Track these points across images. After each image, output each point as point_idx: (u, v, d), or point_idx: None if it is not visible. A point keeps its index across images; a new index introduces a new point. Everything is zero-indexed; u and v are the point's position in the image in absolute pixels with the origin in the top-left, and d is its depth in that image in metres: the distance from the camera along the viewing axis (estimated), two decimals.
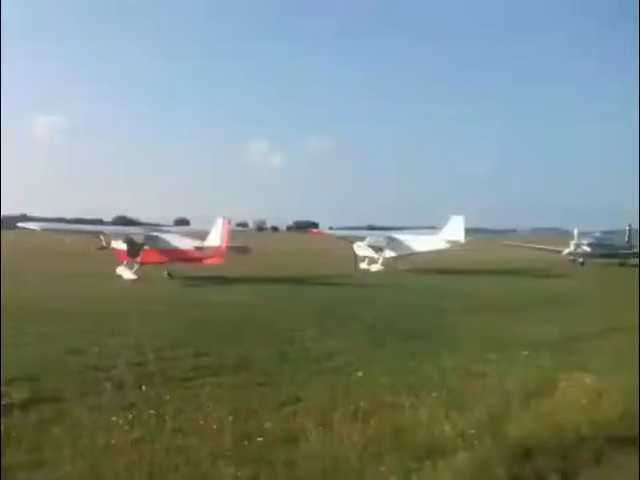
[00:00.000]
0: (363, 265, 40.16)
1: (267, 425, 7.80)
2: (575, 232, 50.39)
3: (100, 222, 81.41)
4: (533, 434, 7.46)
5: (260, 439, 7.28)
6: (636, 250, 52.97)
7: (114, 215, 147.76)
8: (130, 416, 8.08)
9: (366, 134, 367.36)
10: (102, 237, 33.33)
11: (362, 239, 42.27)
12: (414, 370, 11.32)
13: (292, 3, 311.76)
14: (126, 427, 7.65)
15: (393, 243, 40.71)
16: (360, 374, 10.63)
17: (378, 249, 40.70)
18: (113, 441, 7.14)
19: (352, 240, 42.78)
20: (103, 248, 33.23)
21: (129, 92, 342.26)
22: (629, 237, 55.12)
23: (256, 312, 18.92)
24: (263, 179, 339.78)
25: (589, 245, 49.28)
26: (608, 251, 50.52)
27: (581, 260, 49.04)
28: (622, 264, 49.72)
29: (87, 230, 36.11)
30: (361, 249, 41.44)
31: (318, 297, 23.09)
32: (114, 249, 32.50)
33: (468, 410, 8.31)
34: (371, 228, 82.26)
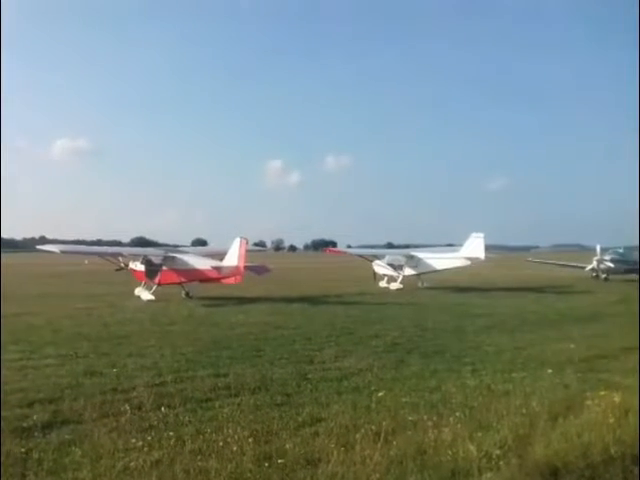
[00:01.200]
0: (382, 283, 40.00)
1: (288, 446, 7.69)
2: (598, 248, 49.84)
3: (119, 244, 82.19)
4: (560, 454, 7.25)
5: (281, 461, 7.17)
6: None
7: (132, 237, 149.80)
8: (149, 438, 8.04)
9: (383, 152, 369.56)
10: (120, 258, 33.68)
11: (381, 257, 42.13)
12: (436, 389, 11.18)
13: (310, 23, 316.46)
14: (145, 449, 7.60)
15: (413, 261, 40.47)
16: (381, 394, 10.48)
17: (397, 267, 40.49)
18: (132, 463, 7.08)
19: (371, 258, 42.68)
20: (121, 269, 33.58)
21: (148, 115, 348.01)
22: None
23: (274, 332, 18.80)
24: (280, 199, 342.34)
25: (612, 261, 48.71)
26: (632, 267, 49.78)
27: (605, 276, 48.45)
28: None
29: (105, 252, 36.37)
30: (380, 267, 41.29)
31: (337, 316, 22.91)
32: (132, 270, 32.78)
33: (493, 430, 8.14)
34: (390, 246, 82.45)
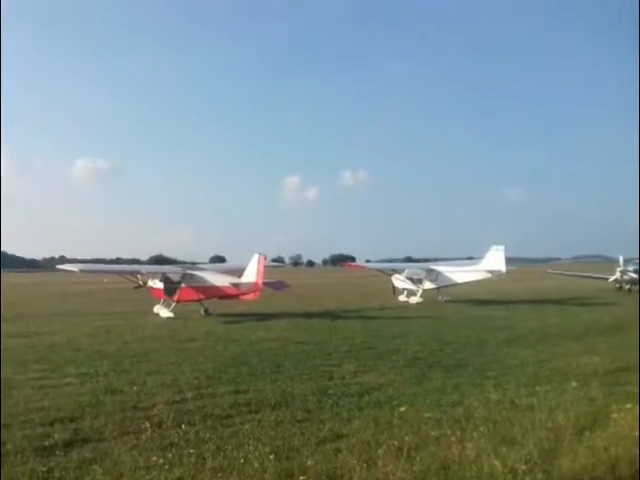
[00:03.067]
0: (402, 297, 39.83)
1: (309, 463, 7.64)
2: (621, 259, 49.27)
3: (137, 262, 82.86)
4: (587, 469, 7.18)
5: (302, 477, 7.13)
6: None
7: (151, 254, 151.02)
8: (170, 455, 8.02)
9: (401, 166, 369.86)
10: (139, 276, 33.93)
11: (400, 271, 41.96)
12: (459, 403, 11.06)
13: (326, 39, 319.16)
14: (166, 466, 7.58)
15: (432, 275, 40.28)
16: (403, 409, 10.35)
17: (417, 281, 40.32)
18: None
19: (390, 273, 42.53)
20: (140, 287, 33.82)
21: (165, 134, 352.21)
22: None
23: (294, 347, 18.76)
24: (298, 214, 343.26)
25: (635, 271, 48.05)
26: None
27: (628, 287, 47.82)
28: None
29: (124, 270, 36.66)
30: (400, 281, 41.15)
31: (357, 331, 22.81)
32: (151, 288, 33.01)
33: (517, 444, 8.01)
34: (409, 260, 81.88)
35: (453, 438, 8.29)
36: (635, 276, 47.82)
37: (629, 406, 9.63)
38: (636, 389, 12.21)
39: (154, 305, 31.63)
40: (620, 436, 8.14)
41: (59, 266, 35.41)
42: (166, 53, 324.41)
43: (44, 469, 7.67)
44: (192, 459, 7.82)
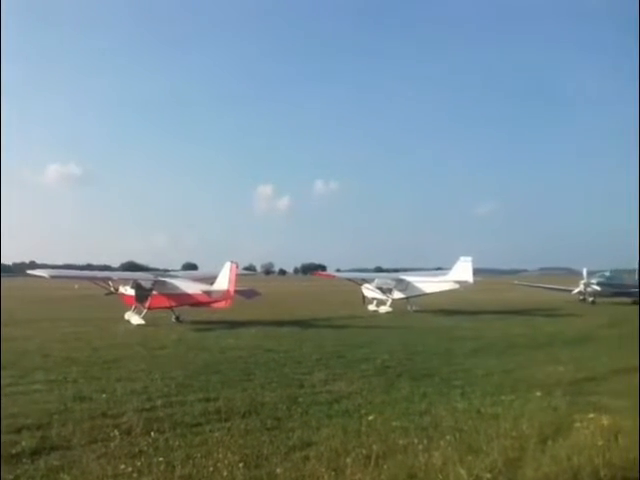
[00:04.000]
0: (371, 307, 40.08)
1: (278, 471, 7.67)
2: (584, 271, 50.27)
3: (108, 268, 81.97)
4: (550, 477, 7.32)
5: None
6: None
7: (122, 261, 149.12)
8: (139, 463, 7.99)
9: (372, 177, 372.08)
10: (110, 283, 33.63)
11: (370, 281, 42.28)
12: (426, 412, 11.17)
13: (299, 50, 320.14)
14: (135, 475, 7.56)
15: (402, 285, 40.68)
16: (371, 417, 10.47)
17: (387, 291, 40.66)
18: None
19: (360, 282, 42.81)
20: (111, 293, 33.51)
21: (138, 140, 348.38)
22: None
23: (265, 355, 18.76)
24: (270, 223, 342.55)
25: (599, 284, 49.17)
26: (619, 290, 50.28)
27: (592, 299, 48.82)
28: (635, 303, 49.35)
29: (95, 276, 36.32)
30: (369, 291, 41.45)
31: (327, 339, 22.91)
32: (122, 294, 32.78)
33: (483, 453, 8.13)
34: (379, 270, 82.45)
35: (420, 447, 8.41)
36: (598, 288, 48.89)
37: (592, 416, 9.88)
38: (600, 399, 12.55)
39: (125, 312, 31.35)
40: (582, 445, 8.27)
41: (29, 271, 34.91)
42: (140, 60, 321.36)
43: (10, 477, 7.60)
44: (161, 467, 7.78)
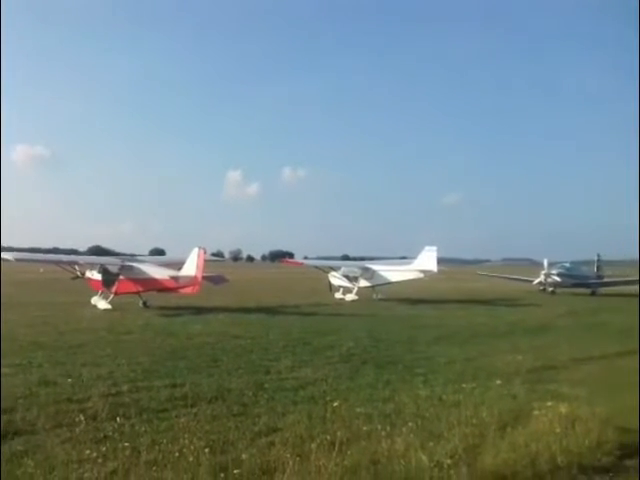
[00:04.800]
0: (338, 295, 40.25)
1: (244, 456, 7.73)
2: (545, 262, 51.30)
3: (75, 252, 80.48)
4: (508, 463, 7.49)
5: (237, 471, 7.19)
6: (605, 280, 54.30)
7: (89, 245, 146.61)
8: (104, 449, 7.98)
9: (340, 165, 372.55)
10: (77, 267, 33.18)
11: (337, 269, 42.46)
12: (389, 399, 11.38)
13: (273, 37, 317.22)
14: (100, 460, 7.54)
15: (368, 273, 40.95)
16: (336, 404, 10.59)
17: (353, 279, 40.90)
18: (86, 474, 7.03)
19: (327, 270, 42.96)
20: (77, 278, 33.07)
21: (107, 123, 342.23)
22: (598, 267, 56.44)
23: (232, 342, 18.79)
24: (239, 209, 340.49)
25: (559, 275, 50.26)
26: (578, 281, 51.50)
27: (552, 289, 49.87)
28: (593, 293, 50.64)
29: (61, 260, 35.63)
30: (336, 279, 41.64)
31: (294, 326, 23.02)
32: (89, 279, 32.38)
33: (444, 439, 8.32)
34: (346, 258, 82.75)
35: (383, 433, 8.54)
36: (558, 279, 49.97)
37: (550, 404, 10.12)
38: (558, 387, 12.92)
39: (91, 296, 30.99)
40: (541, 433, 8.49)
41: None
42: (112, 43, 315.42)
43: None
44: (126, 452, 7.79)
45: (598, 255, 57.59)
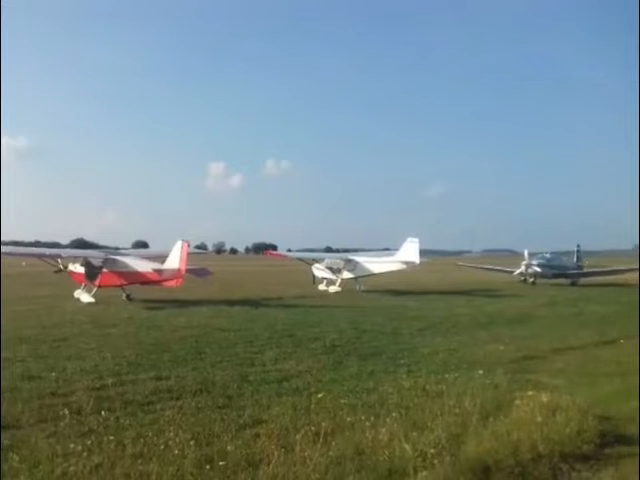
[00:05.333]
0: (321, 287, 40.38)
1: (229, 448, 7.77)
2: (525, 253, 51.68)
3: (57, 245, 79.64)
4: (491, 452, 7.57)
5: (222, 463, 7.24)
6: (585, 270, 54.95)
7: (72, 238, 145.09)
8: (89, 442, 7.96)
9: (322, 158, 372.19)
10: (59, 260, 32.91)
11: (320, 261, 42.56)
12: (373, 390, 11.46)
13: (256, 26, 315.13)
14: (85, 454, 7.52)
15: (351, 265, 41.08)
16: (320, 395, 10.68)
17: (336, 271, 41.03)
18: (71, 468, 7.02)
19: (310, 262, 43.03)
20: (60, 271, 32.85)
21: (89, 115, 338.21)
22: (578, 258, 57.04)
23: (216, 334, 18.79)
24: (222, 201, 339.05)
25: (539, 265, 50.62)
26: (558, 271, 51.99)
27: (532, 280, 50.29)
28: (573, 284, 51.18)
29: (44, 253, 35.30)
30: (319, 271, 41.76)
31: (277, 319, 23.01)
32: (72, 272, 32.15)
33: (427, 429, 8.39)
34: (329, 250, 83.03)
35: (367, 423, 8.62)
36: (538, 270, 50.42)
37: (531, 393, 10.21)
38: (539, 377, 13.11)
39: (75, 290, 30.82)
40: (522, 422, 8.57)
41: None
42: (91, 30, 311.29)
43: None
44: (112, 446, 7.78)
45: (578, 246, 58.22)
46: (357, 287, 40.00)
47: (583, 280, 52.34)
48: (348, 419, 9.02)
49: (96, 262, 31.22)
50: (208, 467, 7.13)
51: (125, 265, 30.68)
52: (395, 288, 39.99)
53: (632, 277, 53.34)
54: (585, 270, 56.29)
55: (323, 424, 8.56)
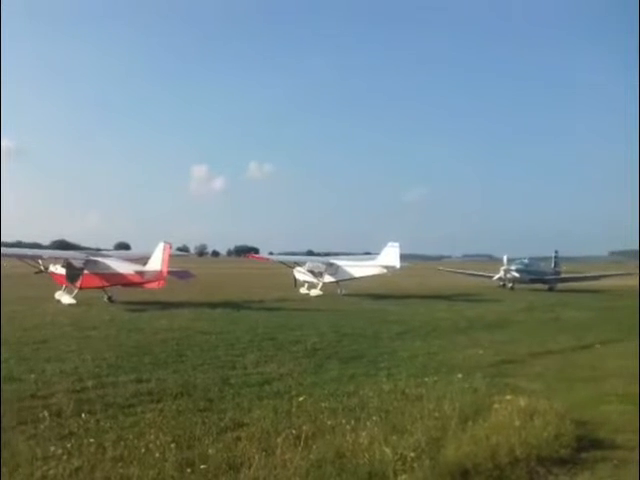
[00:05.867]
0: (303, 290, 40.43)
1: (210, 451, 7.79)
2: (504, 258, 52.15)
3: (38, 246, 78.73)
4: (470, 456, 7.66)
5: (203, 466, 7.26)
6: (562, 276, 55.63)
7: (53, 239, 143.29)
8: (69, 445, 7.93)
9: (304, 161, 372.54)
10: (40, 261, 32.63)
11: (302, 264, 42.61)
12: (354, 394, 11.50)
13: (239, 28, 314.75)
14: (65, 457, 7.50)
15: (332, 268, 41.20)
16: (301, 398, 10.73)
17: (318, 274, 41.13)
18: (51, 471, 7.00)
19: (292, 265, 43.07)
20: (41, 272, 32.58)
21: (72, 116, 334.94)
22: (555, 263, 57.72)
23: (197, 337, 18.74)
24: (204, 204, 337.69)
25: (517, 271, 51.14)
26: (536, 277, 52.54)
27: (511, 285, 50.76)
28: (551, 289, 51.75)
29: (25, 254, 34.95)
30: (301, 274, 41.82)
31: (259, 322, 23.02)
32: (53, 273, 31.91)
33: (407, 433, 8.44)
34: (310, 254, 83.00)
35: (348, 427, 8.67)
36: (517, 275, 50.91)
37: (509, 397, 10.35)
38: (517, 381, 13.26)
39: (56, 291, 30.55)
40: (501, 426, 8.67)
41: None
42: (76, 30, 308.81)
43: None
44: (92, 449, 7.76)
45: (556, 252, 58.93)
46: (338, 291, 40.11)
47: (560, 285, 52.96)
48: (329, 422, 9.06)
49: (77, 263, 31.00)
50: (189, 470, 7.15)
51: (107, 267, 30.50)
52: (376, 292, 40.15)
53: (608, 283, 54.30)
54: (562, 276, 56.95)
55: (304, 427, 8.60)
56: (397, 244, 39.88)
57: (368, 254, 49.17)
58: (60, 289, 30.73)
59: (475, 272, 60.15)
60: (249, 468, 7.18)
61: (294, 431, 8.46)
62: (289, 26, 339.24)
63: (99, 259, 31.50)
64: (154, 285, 29.46)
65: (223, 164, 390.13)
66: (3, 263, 57.63)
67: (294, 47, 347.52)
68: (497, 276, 52.19)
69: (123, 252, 45.47)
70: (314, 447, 7.91)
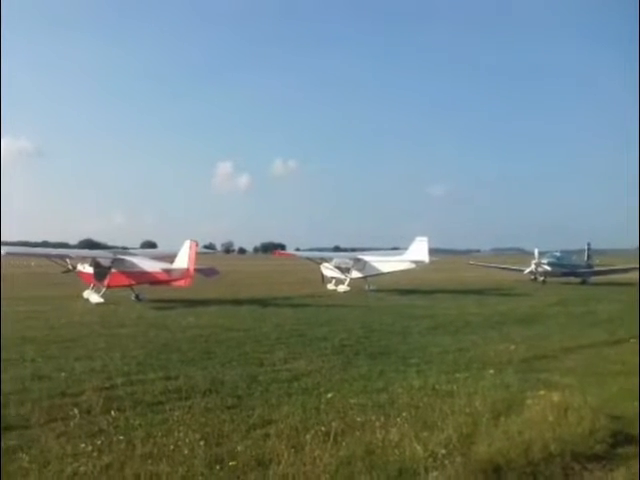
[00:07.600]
0: (330, 286, 40.36)
1: (239, 448, 7.76)
2: (536, 252, 51.44)
3: (65, 245, 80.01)
4: (502, 452, 7.50)
5: (232, 463, 7.22)
6: (595, 269, 54.65)
7: (80, 238, 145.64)
8: (99, 442, 7.95)
9: (330, 157, 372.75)
10: (68, 260, 33.02)
11: (329, 260, 42.52)
12: (383, 390, 11.41)
13: (264, 26, 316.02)
14: (95, 453, 7.52)
15: (359, 264, 41.00)
16: (330, 395, 10.66)
17: (345, 270, 40.96)
18: (82, 468, 7.01)
19: (319, 261, 43.01)
20: (69, 271, 32.98)
21: (95, 115, 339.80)
22: (588, 256, 56.74)
23: (225, 334, 18.79)
24: (230, 201, 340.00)
25: (549, 264, 50.41)
26: (568, 270, 51.74)
27: (542, 279, 50.08)
28: (583, 282, 50.93)
29: (53, 254, 35.45)
30: (328, 270, 41.70)
31: (286, 318, 23.03)
32: (81, 272, 32.26)
33: (438, 429, 8.35)
34: (337, 249, 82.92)
35: (377, 423, 8.56)
36: (548, 268, 50.18)
37: (542, 393, 10.15)
38: (550, 376, 13.00)
39: (83, 290, 30.91)
40: (534, 421, 8.51)
41: None
42: (97, 32, 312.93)
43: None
44: (121, 446, 7.78)
45: (588, 244, 57.93)
46: (366, 286, 39.94)
47: (593, 279, 52.08)
48: (358, 419, 8.98)
49: (105, 262, 31.30)
50: (218, 467, 7.11)
51: (134, 265, 30.72)
52: (404, 287, 39.93)
53: None
54: (595, 269, 55.98)
55: (333, 424, 8.54)
56: (425, 238, 39.56)
57: (396, 249, 48.92)
58: (88, 288, 31.06)
59: (506, 266, 59.45)
60: (278, 465, 7.12)
61: (323, 428, 8.40)
62: (312, 24, 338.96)
63: (126, 258, 31.70)
64: (181, 283, 29.57)
65: (248, 161, 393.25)
66: (31, 263, 58.87)
67: (320, 45, 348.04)
68: (528, 270, 51.51)
69: (150, 250, 45.85)
70: (343, 444, 7.82)
